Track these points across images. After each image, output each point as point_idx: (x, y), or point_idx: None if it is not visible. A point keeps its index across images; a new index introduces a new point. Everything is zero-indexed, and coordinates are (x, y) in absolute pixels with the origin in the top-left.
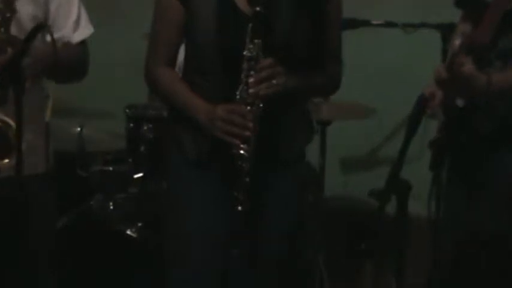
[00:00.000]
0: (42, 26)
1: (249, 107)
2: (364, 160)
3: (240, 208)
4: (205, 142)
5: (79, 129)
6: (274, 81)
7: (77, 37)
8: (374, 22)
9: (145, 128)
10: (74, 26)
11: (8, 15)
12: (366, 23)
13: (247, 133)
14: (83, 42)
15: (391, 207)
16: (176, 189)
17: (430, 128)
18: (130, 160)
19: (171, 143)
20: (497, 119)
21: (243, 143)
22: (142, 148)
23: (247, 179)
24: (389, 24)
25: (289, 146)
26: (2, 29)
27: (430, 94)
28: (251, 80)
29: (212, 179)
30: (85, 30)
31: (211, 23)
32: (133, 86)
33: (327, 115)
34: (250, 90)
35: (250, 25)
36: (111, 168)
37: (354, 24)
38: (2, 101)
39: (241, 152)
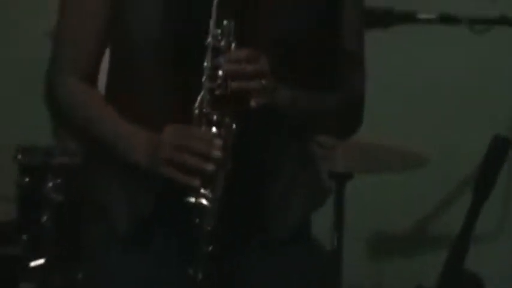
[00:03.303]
0: None
1: (214, 128)
2: (405, 237)
3: None
4: (144, 200)
5: None
6: (262, 81)
7: None
8: (423, 16)
9: (49, 184)
10: None
11: None
12: (409, 17)
13: (210, 167)
14: None
15: None
16: (100, 281)
17: None
18: (24, 238)
19: (89, 206)
20: None
21: (204, 185)
22: (44, 218)
23: (210, 247)
24: (448, 20)
25: (282, 211)
26: None
27: None
28: (221, 70)
29: (157, 259)
30: None
31: (154, 7)
32: (31, 113)
33: (345, 164)
34: (217, 92)
35: None
36: None
37: (391, 18)
38: None
39: (202, 200)
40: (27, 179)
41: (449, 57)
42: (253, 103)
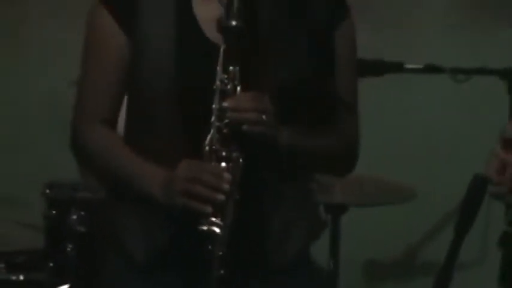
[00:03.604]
0: None
1: (224, 163)
2: (396, 265)
3: None
4: (160, 233)
5: None
6: (263, 116)
7: None
8: (410, 66)
9: (74, 217)
10: None
11: None
12: (398, 67)
13: (221, 197)
14: None
15: None
16: None
17: (497, 218)
18: (51, 265)
19: (109, 239)
20: None
21: (215, 214)
22: (69, 247)
23: (222, 271)
24: (432, 69)
25: (282, 243)
26: None
27: (498, 165)
28: (225, 104)
29: (173, 285)
30: None
31: (167, 57)
32: (57, 154)
33: (340, 198)
34: (225, 131)
35: (222, 47)
36: (21, 278)
37: (381, 68)
38: None
39: (213, 228)
40: (54, 212)
41: (434, 103)
42: (244, 127)
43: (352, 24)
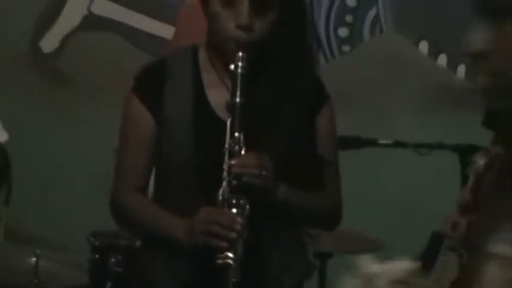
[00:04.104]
0: None
1: (235, 210)
2: None
3: None
4: (183, 271)
5: (34, 259)
6: (263, 172)
7: None
8: (381, 141)
9: (113, 260)
10: None
11: None
12: (371, 142)
13: (234, 235)
14: None
15: None
16: None
17: (451, 266)
18: None
19: (141, 278)
20: None
21: (228, 250)
22: (108, 285)
23: None
24: (399, 144)
25: (280, 277)
26: None
27: (452, 223)
28: (233, 161)
29: None
30: None
31: (186, 135)
32: (100, 209)
33: (327, 247)
34: (234, 183)
35: (229, 119)
36: None
37: (358, 143)
38: None
39: (228, 260)
40: (96, 256)
41: (401, 172)
42: (244, 179)
43: (331, 106)
